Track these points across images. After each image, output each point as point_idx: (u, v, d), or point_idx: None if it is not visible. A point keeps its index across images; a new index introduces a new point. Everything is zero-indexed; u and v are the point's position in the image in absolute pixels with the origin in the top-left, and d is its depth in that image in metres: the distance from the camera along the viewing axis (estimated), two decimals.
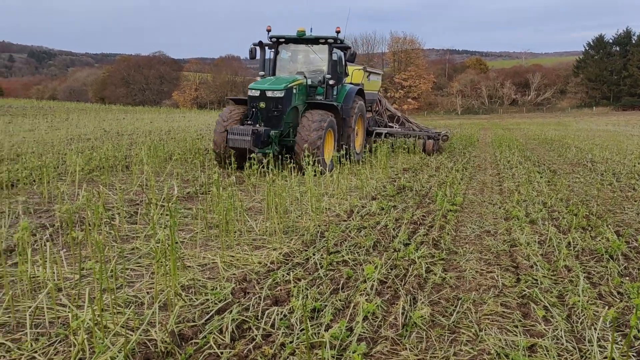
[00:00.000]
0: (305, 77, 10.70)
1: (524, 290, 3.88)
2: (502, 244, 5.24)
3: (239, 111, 10.13)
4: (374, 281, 3.89)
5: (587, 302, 3.61)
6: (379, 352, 2.94)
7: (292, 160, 9.43)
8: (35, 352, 2.81)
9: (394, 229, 5.61)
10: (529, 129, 31.72)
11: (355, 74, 13.24)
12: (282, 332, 3.08)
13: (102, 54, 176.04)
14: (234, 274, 4.09)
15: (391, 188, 8.11)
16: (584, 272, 4.26)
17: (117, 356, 2.68)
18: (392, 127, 15.41)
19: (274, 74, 11.23)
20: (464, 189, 8.56)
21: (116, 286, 3.70)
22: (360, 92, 12.03)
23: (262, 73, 11.21)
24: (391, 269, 4.29)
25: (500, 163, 12.61)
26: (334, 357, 2.81)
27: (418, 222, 6.02)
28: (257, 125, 9.62)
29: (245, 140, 9.16)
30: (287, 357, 2.78)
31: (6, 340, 2.92)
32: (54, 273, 3.72)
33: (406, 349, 2.98)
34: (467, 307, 3.60)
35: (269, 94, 9.78)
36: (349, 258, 4.55)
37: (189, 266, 4.26)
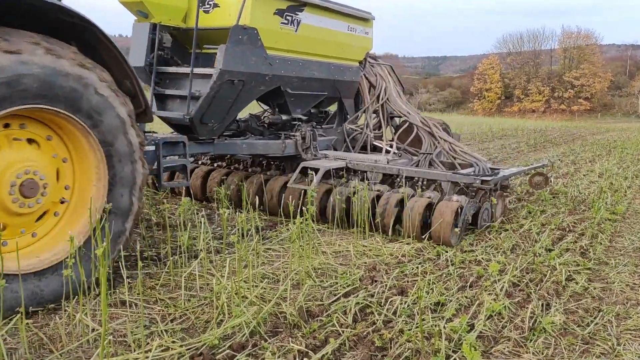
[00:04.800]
0: None
1: None
2: None
3: None
4: (505, 282, 3.78)
5: None
6: (498, 351, 2.88)
7: None
8: (187, 310, 3.26)
9: (537, 234, 5.32)
10: None
11: None
12: (403, 320, 3.17)
13: None
14: (365, 262, 4.25)
15: (543, 192, 7.62)
16: None
17: (251, 322, 3.00)
18: (380, 150, 6.57)
19: None
20: (630, 198, 7.73)
21: (257, 263, 4.10)
22: None
23: None
24: (526, 273, 4.11)
25: None
26: (449, 349, 2.83)
27: (567, 229, 5.62)
28: None
29: None
30: (404, 343, 2.87)
31: (166, 298, 3.43)
32: (207, 244, 4.23)
33: (529, 352, 2.88)
34: (608, 319, 3.33)
35: None
36: (482, 258, 4.45)
37: (324, 252, 4.52)
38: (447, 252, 4.56)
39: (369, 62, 7.12)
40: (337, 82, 6.42)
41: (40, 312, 3.10)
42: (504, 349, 2.91)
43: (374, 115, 7.05)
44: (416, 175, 5.55)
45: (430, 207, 4.92)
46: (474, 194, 5.37)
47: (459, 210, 4.83)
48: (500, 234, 5.29)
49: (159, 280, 3.70)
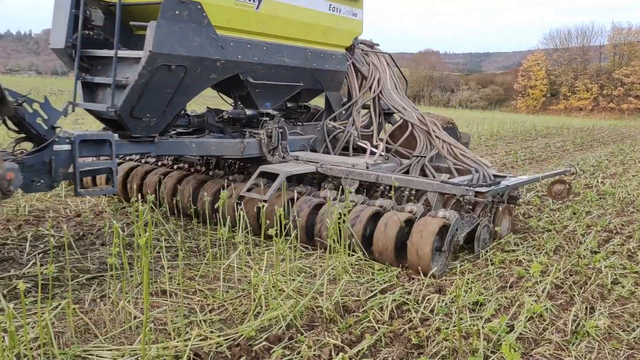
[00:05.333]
0: None
1: None
2: None
3: None
4: (547, 284, 3.69)
5: None
6: (539, 353, 2.81)
7: None
8: (225, 301, 3.31)
9: (582, 235, 5.16)
10: None
11: None
12: (440, 318, 3.13)
13: None
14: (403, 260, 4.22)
15: (590, 193, 7.38)
16: None
17: (288, 315, 3.03)
18: (360, 151, 5.73)
19: None
20: None
21: (295, 257, 4.12)
22: None
23: None
24: (570, 275, 3.99)
25: None
26: (488, 349, 2.78)
27: (614, 231, 5.43)
28: None
29: None
30: (441, 342, 2.84)
31: (205, 289, 3.50)
32: (245, 236, 4.28)
33: (571, 355, 2.80)
34: None
35: None
36: (524, 258, 4.35)
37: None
38: (486, 252, 4.48)
39: (362, 49, 6.26)
40: (316, 71, 5.43)
41: (86, 299, 3.22)
42: (545, 351, 2.83)
43: (366, 110, 6.18)
44: (396, 184, 4.58)
45: (411, 225, 4.00)
46: (471, 207, 4.43)
47: (444, 229, 3.93)
48: (543, 234, 5.16)
49: (199, 271, 3.77)
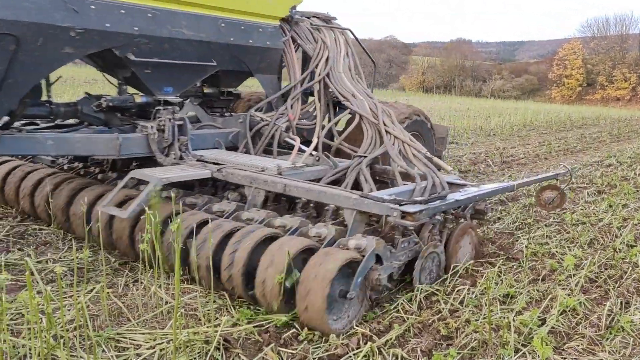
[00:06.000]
0: None
1: None
2: None
3: None
4: (580, 277, 3.61)
5: None
6: (572, 347, 2.76)
7: None
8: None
9: (618, 228, 5.03)
10: None
11: None
12: (469, 310, 3.10)
13: None
14: None
15: (627, 186, 7.17)
16: None
17: None
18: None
19: None
20: None
21: None
22: None
23: None
24: (605, 269, 3.90)
25: None
26: (518, 342, 2.74)
27: None
28: None
29: None
30: (470, 333, 2.81)
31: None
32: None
33: (605, 350, 2.74)
34: None
35: None
36: (557, 251, 4.26)
37: None
38: (520, 241, 4.40)
39: (312, 24, 5.23)
40: (235, 47, 4.40)
41: (120, 284, 3.30)
42: (578, 346, 2.78)
43: (313, 98, 5.08)
44: (306, 196, 3.51)
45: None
46: (412, 230, 3.27)
47: (354, 265, 2.79)
48: (577, 227, 5.04)
49: None
